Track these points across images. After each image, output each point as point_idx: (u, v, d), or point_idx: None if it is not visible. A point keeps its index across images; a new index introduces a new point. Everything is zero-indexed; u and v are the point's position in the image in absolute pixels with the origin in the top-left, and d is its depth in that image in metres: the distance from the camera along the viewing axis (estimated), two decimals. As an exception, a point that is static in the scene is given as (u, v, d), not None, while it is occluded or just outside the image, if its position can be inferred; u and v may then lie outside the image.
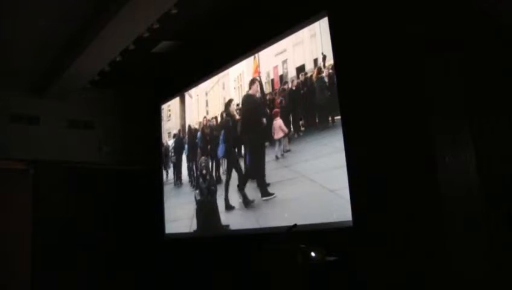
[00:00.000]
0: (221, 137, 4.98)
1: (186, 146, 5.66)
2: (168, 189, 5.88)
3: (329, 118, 3.71)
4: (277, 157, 4.18)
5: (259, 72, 4.52)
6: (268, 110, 4.35)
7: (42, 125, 5.83)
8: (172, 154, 5.90)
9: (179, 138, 5.81)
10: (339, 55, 3.59)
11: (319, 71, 3.85)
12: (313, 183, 3.77)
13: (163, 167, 6.02)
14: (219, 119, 5.09)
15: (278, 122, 4.22)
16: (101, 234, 5.80)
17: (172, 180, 5.84)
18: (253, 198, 4.37)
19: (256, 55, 4.56)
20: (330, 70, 3.72)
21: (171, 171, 5.91)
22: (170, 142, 6.01)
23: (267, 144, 4.30)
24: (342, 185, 3.41)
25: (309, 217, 3.71)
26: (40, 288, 5.34)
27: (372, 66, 3.22)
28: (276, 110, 4.27)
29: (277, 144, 4.21)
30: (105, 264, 5.70)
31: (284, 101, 4.20)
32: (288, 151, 4.08)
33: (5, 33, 4.41)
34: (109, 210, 5.98)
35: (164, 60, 5.45)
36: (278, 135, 4.21)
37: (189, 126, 5.61)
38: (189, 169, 5.51)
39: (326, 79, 3.78)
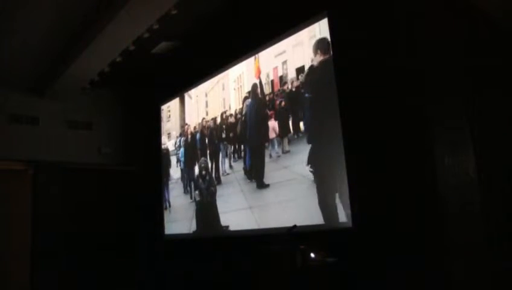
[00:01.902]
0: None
1: (183, 148, 5.66)
2: (169, 189, 5.89)
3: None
4: (271, 156, 4.23)
5: (260, 72, 4.53)
6: (268, 111, 4.36)
7: (42, 125, 5.82)
8: (177, 152, 5.87)
9: (179, 139, 5.80)
10: (338, 56, 3.59)
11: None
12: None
13: (168, 168, 6.02)
14: (219, 119, 5.09)
15: (272, 123, 4.26)
16: (100, 234, 5.80)
17: (173, 180, 5.84)
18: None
19: (256, 55, 4.57)
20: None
21: (172, 171, 5.90)
22: (170, 142, 6.00)
23: (266, 144, 4.31)
24: (342, 186, 3.41)
25: (309, 218, 3.71)
26: (39, 288, 5.33)
27: (372, 67, 3.22)
28: (272, 111, 4.29)
29: (271, 144, 4.24)
30: (105, 264, 5.69)
31: (283, 103, 4.20)
32: (288, 152, 4.08)
33: (5, 33, 4.41)
34: (108, 210, 5.97)
35: (164, 61, 5.45)
36: (271, 135, 4.25)
37: (189, 127, 5.61)
38: (188, 171, 5.51)
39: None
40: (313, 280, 3.09)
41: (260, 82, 4.49)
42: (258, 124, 4.46)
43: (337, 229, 3.43)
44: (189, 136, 5.58)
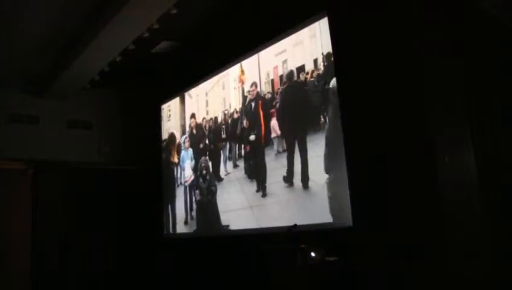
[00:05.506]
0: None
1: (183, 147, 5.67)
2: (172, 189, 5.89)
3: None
4: (272, 155, 4.22)
5: (243, 81, 4.63)
6: (267, 110, 4.36)
7: (42, 125, 5.83)
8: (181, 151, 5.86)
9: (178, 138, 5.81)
10: (338, 56, 3.59)
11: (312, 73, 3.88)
12: (312, 183, 3.77)
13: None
14: (219, 119, 5.09)
15: (273, 122, 4.25)
16: (100, 234, 5.81)
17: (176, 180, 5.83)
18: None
19: (240, 63, 4.65)
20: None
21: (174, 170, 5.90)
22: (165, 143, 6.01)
23: (266, 143, 4.31)
24: (342, 185, 3.41)
25: (309, 217, 3.71)
26: (40, 288, 5.34)
27: (372, 66, 3.22)
28: (273, 110, 4.28)
29: (271, 143, 4.25)
30: (105, 264, 5.70)
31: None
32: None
33: (5, 33, 4.41)
34: (109, 210, 5.98)
35: (164, 60, 5.44)
36: (272, 134, 4.26)
37: (189, 126, 5.61)
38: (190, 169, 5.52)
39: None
40: (313, 279, 3.09)
41: (242, 88, 4.63)
42: (258, 123, 4.46)
43: (337, 228, 3.43)
44: (190, 135, 5.57)
